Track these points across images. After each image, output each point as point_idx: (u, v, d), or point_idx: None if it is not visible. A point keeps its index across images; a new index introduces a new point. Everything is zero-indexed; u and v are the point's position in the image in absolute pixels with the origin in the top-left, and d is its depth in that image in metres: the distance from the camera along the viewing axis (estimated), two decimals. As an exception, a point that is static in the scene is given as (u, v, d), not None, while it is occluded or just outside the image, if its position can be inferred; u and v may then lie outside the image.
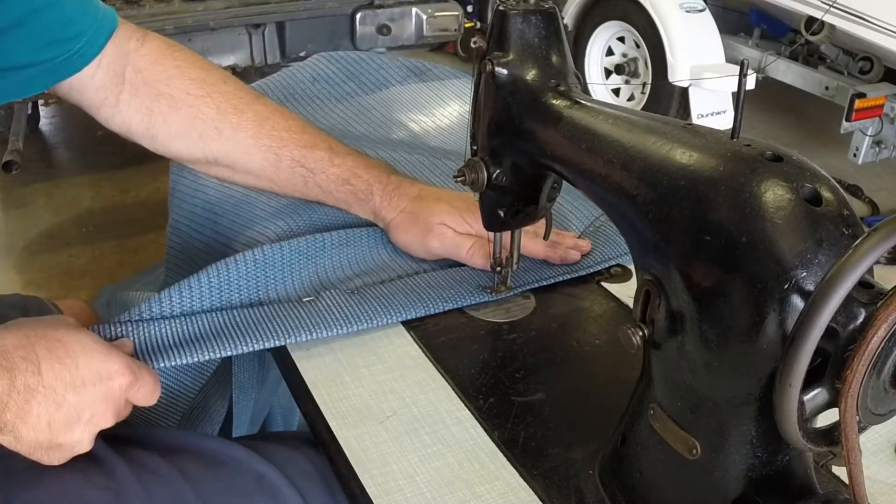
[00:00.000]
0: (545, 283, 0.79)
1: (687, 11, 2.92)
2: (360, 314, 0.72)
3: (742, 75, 0.45)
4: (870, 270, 0.40)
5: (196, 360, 0.66)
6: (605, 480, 0.56)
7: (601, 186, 0.54)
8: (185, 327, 0.70)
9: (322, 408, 0.64)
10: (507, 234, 0.75)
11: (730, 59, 2.92)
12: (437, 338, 0.72)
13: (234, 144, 0.80)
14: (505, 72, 0.63)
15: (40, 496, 0.56)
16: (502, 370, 0.69)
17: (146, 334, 0.68)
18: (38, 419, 0.54)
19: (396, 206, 0.81)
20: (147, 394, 0.60)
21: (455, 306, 0.75)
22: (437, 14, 2.68)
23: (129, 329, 0.68)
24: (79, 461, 0.58)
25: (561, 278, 0.80)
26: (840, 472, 0.57)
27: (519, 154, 0.66)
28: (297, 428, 0.95)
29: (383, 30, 2.63)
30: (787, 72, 3.08)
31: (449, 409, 0.65)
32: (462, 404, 0.65)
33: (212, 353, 0.66)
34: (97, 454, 0.59)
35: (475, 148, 0.69)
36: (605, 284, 0.81)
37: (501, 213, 0.70)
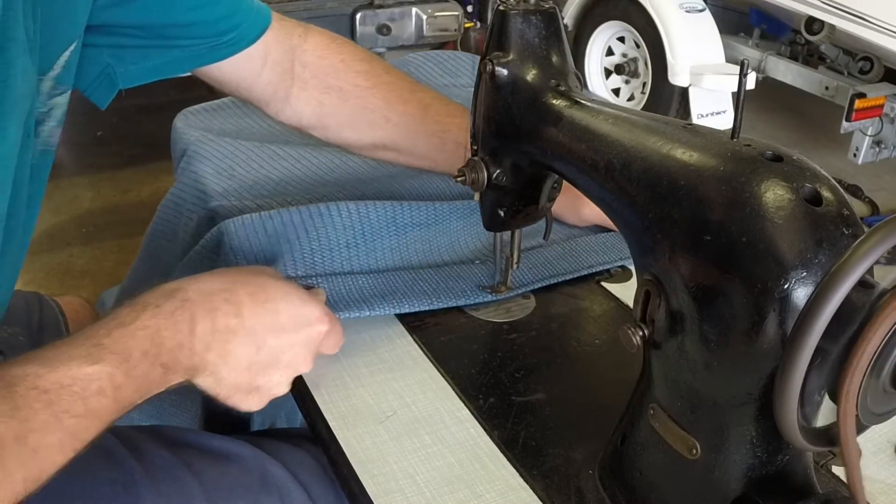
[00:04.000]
0: (545, 283, 0.79)
1: (687, 11, 2.92)
2: (357, 301, 0.72)
3: (742, 75, 0.45)
4: (870, 270, 0.40)
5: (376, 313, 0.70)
6: (605, 480, 0.56)
7: (601, 186, 0.54)
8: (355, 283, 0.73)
9: (322, 408, 0.64)
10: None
11: (730, 59, 2.91)
12: (437, 338, 0.72)
13: (402, 131, 0.84)
14: (505, 72, 0.63)
15: (49, 489, 0.56)
16: (502, 370, 0.69)
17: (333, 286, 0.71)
18: (238, 360, 0.55)
19: None
20: (337, 342, 0.64)
21: (454, 304, 0.75)
22: (437, 14, 2.68)
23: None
24: (88, 454, 0.58)
25: (561, 279, 0.80)
26: (840, 472, 0.57)
27: (519, 154, 0.66)
28: (300, 424, 0.96)
29: (383, 30, 2.63)
30: (787, 72, 3.07)
31: (449, 409, 0.64)
32: (462, 404, 0.65)
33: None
34: (105, 448, 0.59)
35: (475, 148, 0.69)
36: (605, 284, 0.81)
37: (501, 213, 0.70)
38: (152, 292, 0.55)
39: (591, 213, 0.85)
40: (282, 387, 0.59)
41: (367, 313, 0.72)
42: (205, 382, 0.55)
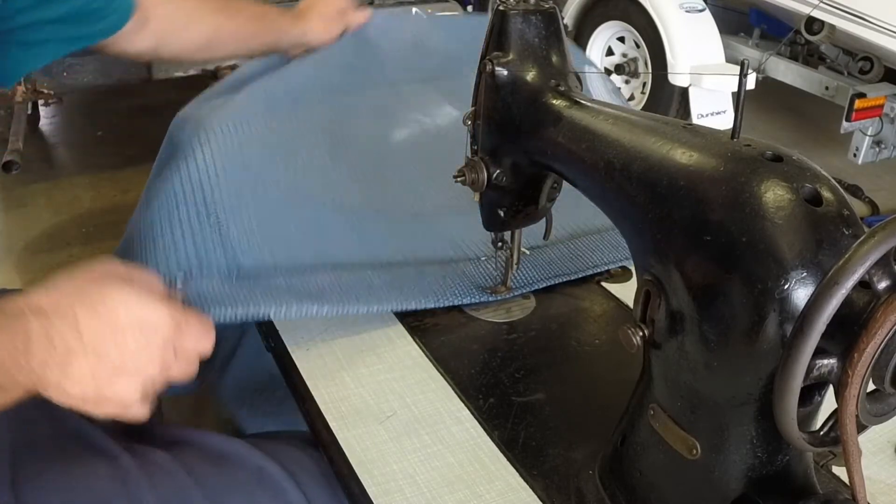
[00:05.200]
0: (545, 284, 0.79)
1: (687, 11, 2.91)
2: (358, 296, 0.72)
3: (742, 75, 0.45)
4: (870, 270, 0.40)
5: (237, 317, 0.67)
6: (605, 480, 0.56)
7: (601, 186, 0.54)
8: (188, 290, 0.70)
9: (322, 408, 0.64)
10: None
11: (730, 59, 2.91)
12: (437, 338, 0.72)
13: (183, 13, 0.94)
14: (505, 72, 0.63)
15: (48, 487, 0.57)
16: (502, 370, 0.69)
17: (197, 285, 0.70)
18: (81, 374, 0.54)
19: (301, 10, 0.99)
20: (196, 343, 0.60)
21: (455, 303, 0.75)
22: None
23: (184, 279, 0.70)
24: (85, 453, 0.58)
25: (561, 279, 0.80)
26: (840, 472, 0.57)
27: (519, 154, 0.66)
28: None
29: (383, 30, 2.62)
30: (787, 72, 3.07)
31: (449, 409, 0.64)
32: (462, 404, 0.65)
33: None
34: (102, 447, 0.60)
35: (475, 148, 0.69)
36: (605, 284, 0.81)
37: (501, 213, 0.70)
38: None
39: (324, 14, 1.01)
40: (132, 393, 0.56)
41: (373, 309, 0.72)
42: (52, 396, 0.54)
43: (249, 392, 0.95)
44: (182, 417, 1.17)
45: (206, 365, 0.93)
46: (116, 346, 0.55)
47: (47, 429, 0.63)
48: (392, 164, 0.97)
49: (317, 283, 0.73)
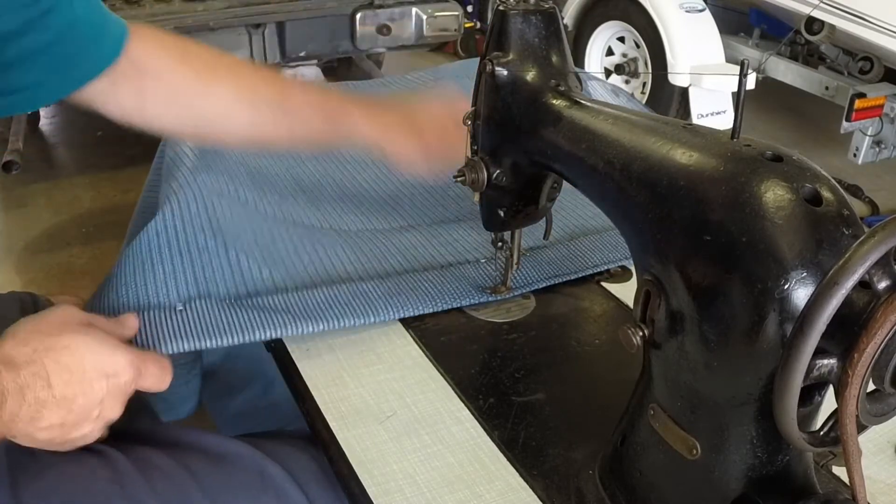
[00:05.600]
0: (545, 284, 0.79)
1: (687, 11, 2.92)
2: (358, 309, 0.72)
3: (742, 75, 0.45)
4: (869, 270, 0.40)
5: (198, 347, 0.68)
6: (605, 480, 0.56)
7: (601, 186, 0.54)
8: (189, 315, 0.71)
9: (322, 408, 0.64)
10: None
11: (730, 59, 2.91)
12: (437, 338, 0.72)
13: (215, 102, 0.79)
14: (505, 72, 0.63)
15: (47, 488, 0.57)
16: (502, 370, 0.69)
17: (155, 319, 0.70)
18: (49, 424, 0.56)
19: (382, 121, 0.80)
20: (155, 382, 0.62)
21: (455, 305, 0.75)
22: (437, 14, 2.67)
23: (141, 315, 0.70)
24: (84, 455, 0.59)
25: (561, 279, 0.80)
26: (840, 472, 0.57)
27: (519, 154, 0.66)
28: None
29: (383, 30, 2.63)
30: (787, 72, 3.07)
31: (449, 409, 0.64)
32: (462, 404, 0.65)
33: (210, 343, 0.67)
34: (101, 449, 0.60)
35: (475, 148, 0.69)
36: (605, 284, 0.81)
37: (501, 213, 0.70)
38: None
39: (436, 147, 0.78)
40: (94, 435, 0.60)
41: (372, 320, 0.72)
42: (19, 441, 0.57)
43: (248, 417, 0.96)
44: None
45: (205, 387, 0.94)
46: (83, 395, 0.57)
47: None
48: (382, 177, 0.97)
49: (315, 300, 0.73)
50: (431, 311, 0.74)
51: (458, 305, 0.76)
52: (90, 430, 0.59)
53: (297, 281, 0.77)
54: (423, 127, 0.79)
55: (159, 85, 0.78)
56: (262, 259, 0.79)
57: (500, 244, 0.75)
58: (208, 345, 0.67)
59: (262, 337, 0.69)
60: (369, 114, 0.80)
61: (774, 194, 0.42)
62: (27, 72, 0.68)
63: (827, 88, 2.90)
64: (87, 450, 0.59)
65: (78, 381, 0.57)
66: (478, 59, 0.67)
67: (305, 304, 0.73)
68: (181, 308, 0.71)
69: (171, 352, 0.67)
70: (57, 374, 0.56)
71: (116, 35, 0.74)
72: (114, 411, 0.60)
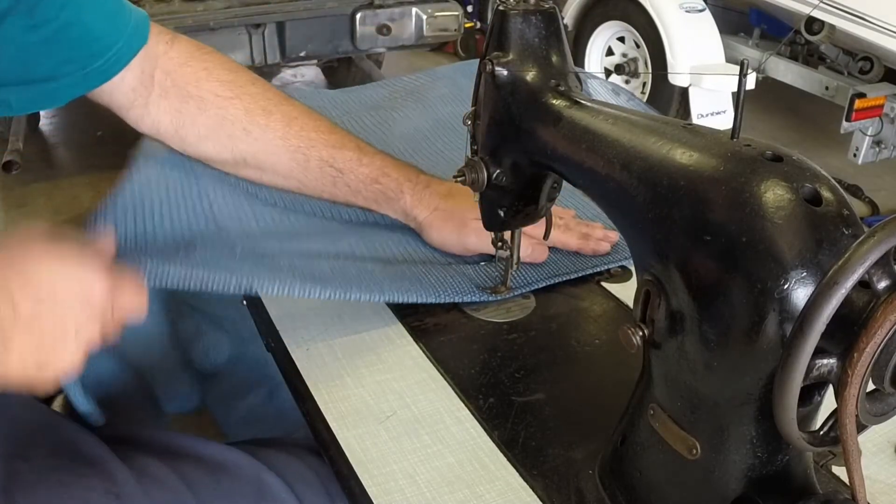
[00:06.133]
0: (545, 284, 0.79)
1: (687, 11, 2.92)
2: (357, 284, 0.72)
3: (742, 75, 0.45)
4: (869, 270, 0.40)
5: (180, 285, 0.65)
6: (605, 480, 0.56)
7: (601, 186, 0.54)
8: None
9: (322, 408, 0.64)
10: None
11: (730, 59, 2.91)
12: (437, 338, 0.72)
13: (263, 145, 0.81)
14: (505, 72, 0.63)
15: (42, 499, 0.56)
16: (502, 370, 0.69)
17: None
18: (21, 350, 0.53)
19: (429, 205, 0.82)
20: (131, 301, 0.59)
21: (455, 300, 0.75)
22: (437, 14, 2.68)
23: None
24: (80, 465, 0.58)
25: (561, 279, 0.80)
26: (840, 472, 0.57)
27: (519, 154, 0.66)
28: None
29: (383, 30, 2.63)
30: (787, 72, 3.07)
31: (449, 409, 0.64)
32: (462, 404, 0.65)
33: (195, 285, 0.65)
34: (98, 458, 0.59)
35: (475, 148, 0.69)
36: (605, 284, 0.81)
37: (501, 213, 0.70)
38: None
39: (477, 242, 0.80)
40: (73, 360, 0.55)
41: (366, 297, 0.71)
42: None
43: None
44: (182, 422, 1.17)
45: (207, 385, 0.94)
46: (54, 318, 0.54)
47: (42, 438, 0.63)
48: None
49: (320, 268, 0.74)
50: (433, 300, 0.74)
51: (458, 301, 0.76)
52: (66, 355, 0.55)
53: (301, 250, 0.77)
54: (466, 220, 0.80)
55: (200, 113, 0.80)
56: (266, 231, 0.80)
57: (500, 244, 0.75)
58: (191, 285, 0.64)
59: (259, 289, 0.67)
60: (420, 199, 0.82)
61: (774, 194, 0.42)
62: (48, 57, 0.69)
63: (827, 88, 2.91)
64: (84, 459, 0.58)
65: (47, 306, 0.54)
66: (477, 60, 0.67)
67: (307, 268, 0.72)
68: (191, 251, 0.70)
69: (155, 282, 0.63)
70: (23, 292, 0.53)
71: (139, 26, 0.76)
72: (89, 331, 0.56)
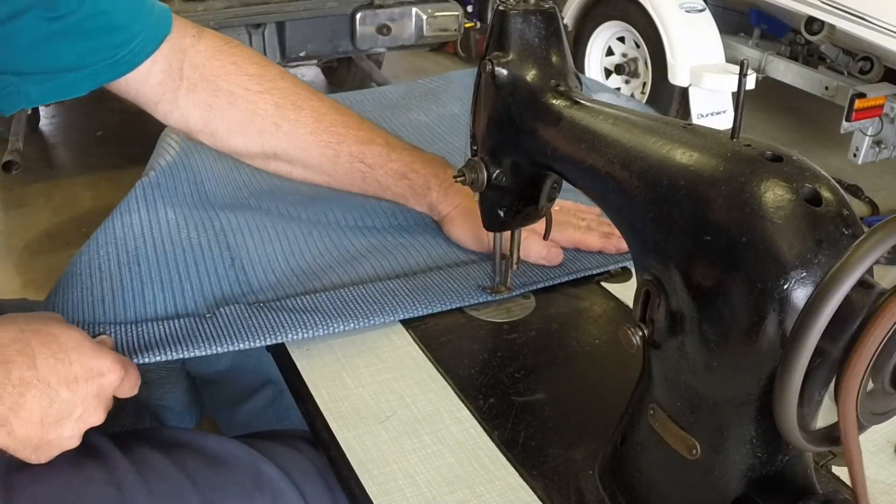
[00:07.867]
0: (545, 284, 0.79)
1: (687, 11, 2.92)
2: (358, 311, 0.72)
3: (742, 75, 0.45)
4: (870, 270, 0.40)
5: (185, 356, 0.67)
6: (605, 480, 0.56)
7: (601, 186, 0.54)
8: (167, 326, 0.70)
9: (322, 408, 0.64)
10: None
11: (730, 59, 2.92)
12: (437, 338, 0.72)
13: (293, 140, 0.81)
14: (505, 72, 0.63)
15: (42, 491, 0.56)
16: (502, 370, 0.69)
17: (130, 331, 0.69)
18: (30, 413, 0.54)
19: (452, 201, 0.83)
20: (132, 387, 0.61)
21: (455, 306, 0.75)
22: (437, 14, 2.68)
23: (112, 329, 0.69)
24: (80, 457, 0.58)
25: (561, 279, 0.80)
26: (840, 472, 0.57)
27: (519, 154, 0.66)
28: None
29: (383, 30, 2.63)
30: (787, 72, 3.08)
31: (449, 409, 0.65)
32: (462, 404, 0.65)
33: (204, 350, 0.67)
34: (99, 449, 0.59)
35: (475, 148, 0.69)
36: (605, 284, 0.81)
37: (501, 213, 0.70)
38: None
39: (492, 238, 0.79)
40: (73, 440, 0.57)
41: (373, 322, 0.72)
42: None
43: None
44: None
45: (211, 396, 0.94)
46: (68, 387, 0.55)
47: None
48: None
49: (314, 304, 0.73)
50: (432, 311, 0.74)
51: (459, 306, 0.76)
52: (69, 432, 0.56)
53: (294, 285, 0.77)
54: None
55: (230, 107, 0.79)
56: (256, 260, 0.80)
57: (500, 245, 0.75)
58: (207, 351, 0.67)
59: (256, 344, 0.68)
60: (446, 195, 0.83)
61: (774, 194, 0.42)
62: (70, 48, 0.68)
63: (827, 88, 2.91)
64: (84, 450, 0.58)
65: (64, 372, 0.55)
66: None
67: (304, 308, 0.72)
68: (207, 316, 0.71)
69: (158, 360, 0.66)
70: (43, 358, 0.54)
71: (162, 17, 0.75)
72: (96, 414, 0.57)
